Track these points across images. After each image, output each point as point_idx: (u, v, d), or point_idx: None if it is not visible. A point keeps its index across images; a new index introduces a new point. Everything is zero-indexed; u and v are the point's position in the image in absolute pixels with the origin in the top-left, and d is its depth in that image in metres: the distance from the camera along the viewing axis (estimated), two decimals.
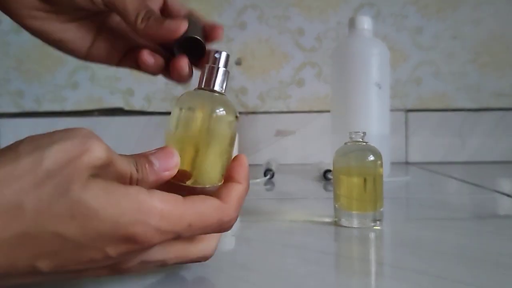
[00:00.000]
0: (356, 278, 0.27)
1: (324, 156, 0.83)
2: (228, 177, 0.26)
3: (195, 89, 0.28)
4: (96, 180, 0.20)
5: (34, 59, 0.93)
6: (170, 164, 0.24)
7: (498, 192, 0.54)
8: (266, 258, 0.30)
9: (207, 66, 0.28)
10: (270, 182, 0.67)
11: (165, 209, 0.21)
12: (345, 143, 0.39)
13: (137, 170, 0.22)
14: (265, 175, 0.68)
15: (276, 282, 0.26)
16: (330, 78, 0.74)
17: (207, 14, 0.92)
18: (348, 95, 0.66)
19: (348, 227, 0.38)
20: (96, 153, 0.20)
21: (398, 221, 0.42)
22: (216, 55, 0.28)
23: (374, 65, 0.65)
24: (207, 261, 0.30)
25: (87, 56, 0.34)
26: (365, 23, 0.67)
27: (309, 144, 0.92)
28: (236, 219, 0.25)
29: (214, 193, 0.24)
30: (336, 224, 0.39)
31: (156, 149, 0.24)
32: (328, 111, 0.74)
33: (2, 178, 0.18)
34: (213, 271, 0.28)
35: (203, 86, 0.27)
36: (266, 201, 0.53)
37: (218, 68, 0.27)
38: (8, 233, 0.18)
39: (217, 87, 0.27)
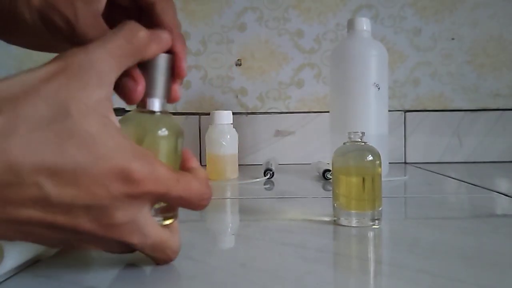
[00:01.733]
0: (354, 277, 0.27)
1: (323, 156, 0.83)
2: (187, 167, 0.28)
3: (135, 110, 0.27)
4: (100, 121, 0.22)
5: (36, 60, 0.93)
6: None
7: (496, 191, 0.55)
8: (265, 257, 0.31)
9: (145, 76, 0.27)
10: (269, 181, 0.68)
11: (158, 161, 0.23)
12: (344, 143, 0.40)
13: None
14: (264, 174, 0.69)
15: (275, 280, 0.26)
16: (329, 79, 0.74)
17: (207, 15, 0.93)
18: (347, 95, 0.66)
19: (347, 226, 0.38)
20: (91, 93, 0.22)
21: (397, 220, 0.42)
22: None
23: (373, 66, 0.66)
24: (206, 259, 0.30)
25: None
26: (364, 24, 0.67)
27: (308, 144, 0.92)
28: (210, 198, 0.27)
29: None
30: (335, 223, 0.39)
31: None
32: (327, 112, 0.75)
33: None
34: (212, 269, 0.28)
35: (142, 108, 0.27)
36: (265, 200, 0.53)
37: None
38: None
39: (156, 108, 0.27)
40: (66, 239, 0.23)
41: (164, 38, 0.27)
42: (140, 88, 0.26)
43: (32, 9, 0.27)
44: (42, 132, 0.20)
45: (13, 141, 0.19)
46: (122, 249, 0.25)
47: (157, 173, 0.23)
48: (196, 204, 0.26)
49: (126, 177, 0.21)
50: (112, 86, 0.23)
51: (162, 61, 0.27)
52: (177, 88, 0.29)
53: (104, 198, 0.21)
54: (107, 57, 0.23)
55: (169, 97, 0.28)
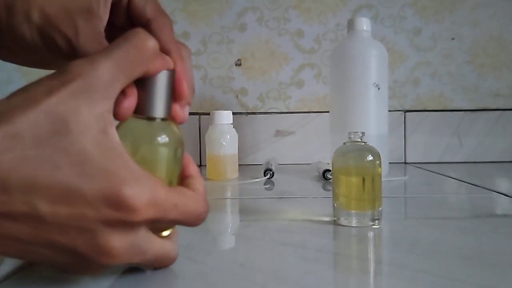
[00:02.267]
0: (354, 277, 0.27)
1: (323, 156, 0.83)
2: (186, 175, 0.27)
3: (132, 116, 0.25)
4: (99, 138, 0.21)
5: None
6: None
7: (495, 191, 0.55)
8: (265, 257, 0.31)
9: (143, 91, 0.25)
10: (269, 181, 0.68)
11: (156, 184, 0.22)
12: (344, 143, 0.40)
13: None
14: (264, 174, 0.69)
15: (275, 280, 0.26)
16: (329, 79, 0.74)
17: (207, 15, 0.93)
18: (347, 95, 0.66)
19: (347, 226, 0.38)
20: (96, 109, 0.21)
21: (397, 220, 0.42)
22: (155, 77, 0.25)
23: (373, 66, 0.66)
24: (206, 260, 0.30)
25: None
26: (364, 24, 0.67)
27: (308, 144, 0.92)
28: (207, 215, 0.26)
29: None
30: (335, 223, 0.39)
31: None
32: (327, 112, 0.75)
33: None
34: (213, 269, 0.28)
35: (140, 114, 0.25)
36: (265, 200, 0.53)
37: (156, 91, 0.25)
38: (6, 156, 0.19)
39: (157, 114, 0.25)
40: (72, 263, 0.22)
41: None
42: (126, 103, 0.24)
43: (31, 26, 0.26)
44: (39, 148, 0.20)
45: (7, 157, 0.19)
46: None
47: (154, 199, 0.22)
48: (192, 224, 0.25)
49: (118, 203, 0.21)
50: (116, 97, 0.23)
51: (163, 76, 0.26)
52: (178, 109, 0.27)
53: (95, 222, 0.21)
54: (113, 67, 0.22)
55: (170, 113, 0.27)
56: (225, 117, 0.71)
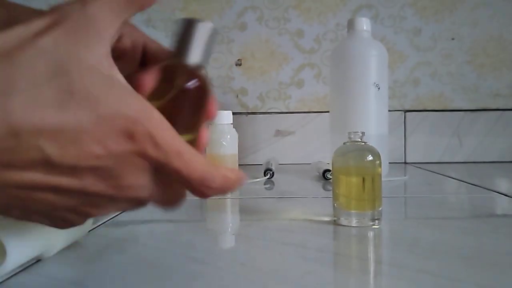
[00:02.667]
0: (354, 277, 0.27)
1: (323, 156, 0.83)
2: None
3: (169, 60, 0.26)
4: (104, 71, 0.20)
5: None
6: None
7: (495, 191, 0.55)
8: (266, 256, 0.31)
9: (182, 36, 0.26)
10: (269, 181, 0.68)
11: (165, 122, 0.22)
12: (344, 143, 0.40)
13: None
14: (265, 174, 0.69)
15: (276, 280, 0.26)
16: (329, 79, 0.74)
17: (208, 15, 0.93)
18: (347, 95, 0.66)
19: (347, 226, 0.38)
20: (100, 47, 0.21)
21: (397, 220, 0.43)
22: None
23: (373, 66, 0.66)
24: (207, 259, 0.30)
25: None
26: (364, 24, 0.67)
27: (308, 144, 0.92)
28: (216, 193, 0.25)
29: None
30: (335, 223, 0.39)
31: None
32: (327, 112, 0.75)
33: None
34: (213, 269, 0.28)
35: (177, 58, 0.26)
36: (266, 200, 0.53)
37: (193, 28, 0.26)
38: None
39: (192, 59, 0.26)
40: (73, 206, 0.22)
41: None
42: (146, 79, 0.24)
43: None
44: (42, 88, 0.19)
45: (13, 100, 0.18)
46: (134, 206, 0.24)
47: (159, 139, 0.21)
48: (195, 186, 0.23)
49: (129, 135, 0.20)
50: (111, 41, 0.22)
51: (206, 27, 0.26)
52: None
53: (107, 159, 0.20)
54: (106, 9, 0.21)
55: (205, 63, 0.27)
56: (225, 117, 0.71)
